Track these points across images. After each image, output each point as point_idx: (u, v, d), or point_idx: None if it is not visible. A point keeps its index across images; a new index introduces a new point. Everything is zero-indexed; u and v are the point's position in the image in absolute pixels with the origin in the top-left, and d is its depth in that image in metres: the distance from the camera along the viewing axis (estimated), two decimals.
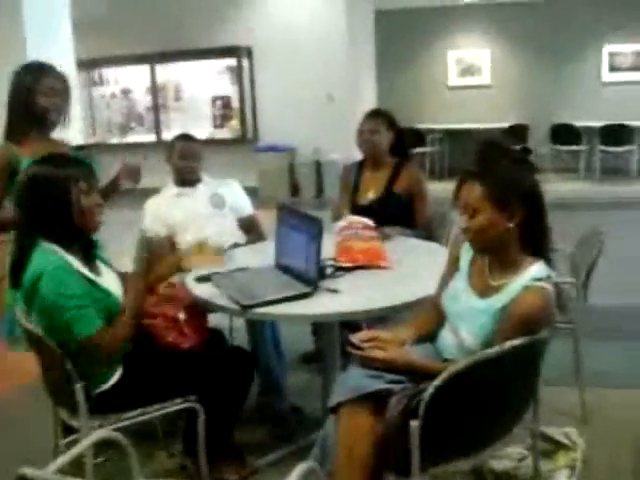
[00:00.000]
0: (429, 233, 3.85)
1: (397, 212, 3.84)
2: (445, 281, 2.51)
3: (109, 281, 2.65)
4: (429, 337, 2.53)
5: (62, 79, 3.27)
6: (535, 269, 2.19)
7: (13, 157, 3.16)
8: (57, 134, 3.38)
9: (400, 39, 12.26)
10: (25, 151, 3.14)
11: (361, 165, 4.09)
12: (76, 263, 2.51)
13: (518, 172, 2.21)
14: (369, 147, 3.97)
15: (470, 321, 2.29)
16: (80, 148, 3.53)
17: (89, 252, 2.65)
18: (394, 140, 3.99)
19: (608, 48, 11.67)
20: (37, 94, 3.17)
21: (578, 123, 11.19)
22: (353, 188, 4.03)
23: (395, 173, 3.94)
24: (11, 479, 1.51)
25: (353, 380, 2.30)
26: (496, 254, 2.27)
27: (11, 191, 3.00)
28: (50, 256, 2.46)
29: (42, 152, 2.86)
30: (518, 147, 11.00)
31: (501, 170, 2.19)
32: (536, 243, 2.24)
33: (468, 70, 12.53)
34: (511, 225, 2.17)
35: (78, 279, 2.49)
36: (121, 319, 2.60)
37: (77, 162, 2.63)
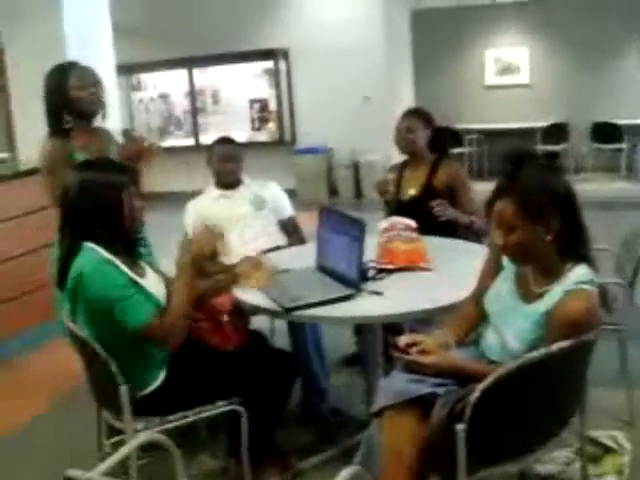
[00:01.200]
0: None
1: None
2: (484, 280, 2.48)
3: (152, 283, 2.66)
4: (471, 336, 2.51)
5: (90, 71, 3.43)
6: (577, 273, 2.16)
7: (68, 151, 3.29)
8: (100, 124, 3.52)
9: (437, 38, 12.19)
10: (76, 143, 3.31)
11: (404, 164, 4.13)
12: (119, 263, 2.54)
13: (548, 179, 2.17)
14: (406, 145, 4.00)
15: (514, 325, 2.26)
16: (127, 132, 3.66)
17: (132, 252, 2.68)
18: (432, 137, 4.01)
19: None
20: (70, 89, 3.31)
21: (619, 121, 11.02)
22: (396, 186, 4.04)
23: (433, 169, 3.95)
24: None
25: (398, 384, 2.29)
26: (537, 263, 2.24)
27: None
28: (93, 254, 2.49)
29: (92, 143, 3.20)
30: (554, 149, 10.93)
31: (531, 183, 2.14)
32: (576, 246, 2.20)
33: (506, 69, 12.41)
34: (549, 237, 2.14)
35: (121, 274, 2.51)
36: (173, 307, 2.60)
37: (122, 167, 2.67)
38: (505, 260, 2.39)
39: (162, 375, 2.64)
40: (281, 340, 3.62)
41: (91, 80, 3.40)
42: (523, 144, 11.13)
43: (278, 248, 3.70)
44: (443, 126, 4.18)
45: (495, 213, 2.19)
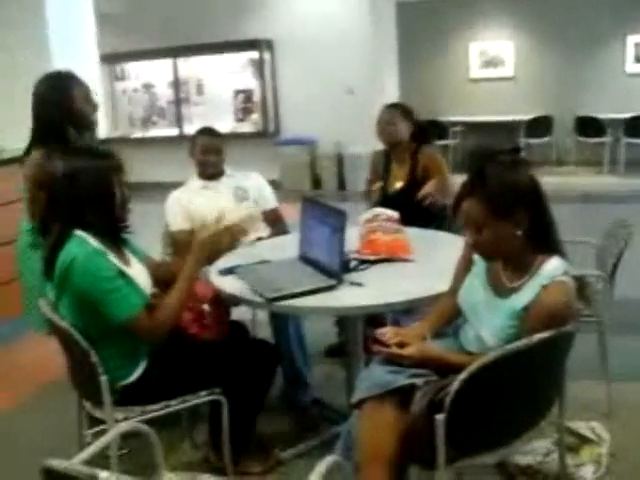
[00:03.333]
0: (449, 224, 3.85)
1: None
2: (460, 274, 2.49)
3: (137, 272, 2.66)
4: (449, 329, 2.53)
5: (86, 85, 3.38)
6: (551, 266, 2.16)
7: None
8: None
9: (422, 31, 12.18)
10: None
11: (388, 157, 4.22)
12: (109, 253, 2.53)
13: (513, 175, 2.16)
14: (386, 137, 4.13)
15: (489, 320, 2.27)
16: (101, 142, 3.58)
17: (119, 241, 2.67)
18: (415, 131, 4.11)
19: (633, 39, 11.51)
20: (75, 101, 3.26)
21: (602, 115, 11.06)
22: (382, 178, 4.15)
23: (414, 160, 4.06)
24: (37, 471, 1.52)
25: (376, 376, 2.30)
26: (508, 259, 2.26)
27: None
28: (83, 243, 2.47)
29: None
30: (538, 142, 10.96)
31: (496, 180, 2.13)
32: (546, 239, 2.21)
33: (491, 62, 12.43)
34: (519, 232, 2.15)
35: (111, 265, 2.50)
36: (168, 305, 2.59)
37: (109, 154, 2.64)
38: (475, 255, 2.40)
39: (143, 365, 2.64)
40: (263, 331, 3.62)
41: (92, 95, 3.37)
42: (504, 139, 11.15)
43: (260, 239, 3.69)
44: (428, 120, 4.28)
45: (462, 212, 2.20)
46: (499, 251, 2.22)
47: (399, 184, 4.06)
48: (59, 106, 3.25)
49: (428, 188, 3.84)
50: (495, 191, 2.12)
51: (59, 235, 2.52)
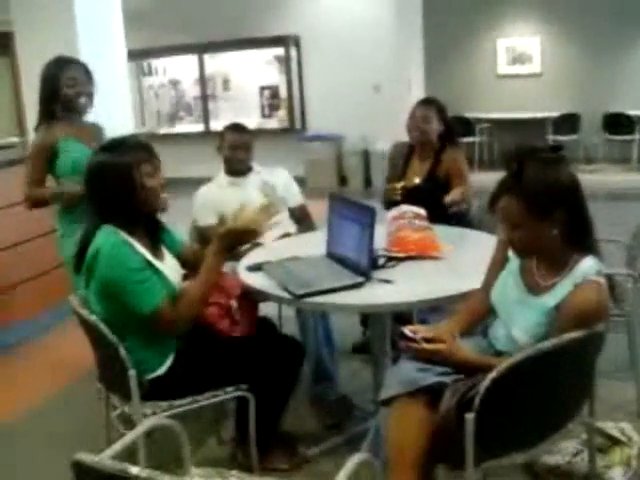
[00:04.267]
0: (476, 222, 3.82)
1: (440, 195, 3.78)
2: (493, 271, 2.47)
3: (170, 267, 2.68)
4: (478, 328, 2.51)
5: (84, 68, 3.59)
6: (585, 265, 2.14)
7: (53, 138, 3.48)
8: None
9: (449, 27, 12.11)
10: (62, 134, 3.49)
11: (411, 151, 4.13)
12: (138, 245, 2.55)
13: (552, 174, 2.13)
14: (419, 134, 3.99)
15: (521, 318, 2.25)
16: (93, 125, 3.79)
17: (154, 237, 2.70)
18: (444, 129, 4.02)
19: None
20: (62, 86, 3.48)
21: (631, 112, 10.94)
22: (401, 173, 4.07)
23: (437, 158, 3.99)
24: (67, 463, 1.52)
25: (405, 373, 2.28)
26: (543, 256, 2.24)
27: (53, 171, 3.52)
28: (110, 234, 2.50)
29: (73, 132, 3.47)
30: (562, 138, 10.86)
31: (534, 179, 2.10)
32: (582, 238, 2.19)
33: (518, 58, 12.33)
34: (555, 231, 2.13)
35: (138, 256, 2.52)
36: (187, 295, 2.61)
37: (138, 146, 2.66)
38: (510, 253, 2.38)
39: (171, 359, 2.65)
40: (289, 327, 3.62)
41: (83, 79, 3.54)
42: (531, 136, 11.06)
43: (288, 235, 3.69)
44: (455, 117, 4.18)
45: (500, 209, 2.17)
46: (534, 249, 2.20)
47: (417, 179, 3.98)
48: (47, 88, 3.52)
49: (456, 196, 3.72)
50: (534, 190, 2.09)
51: (88, 228, 2.57)
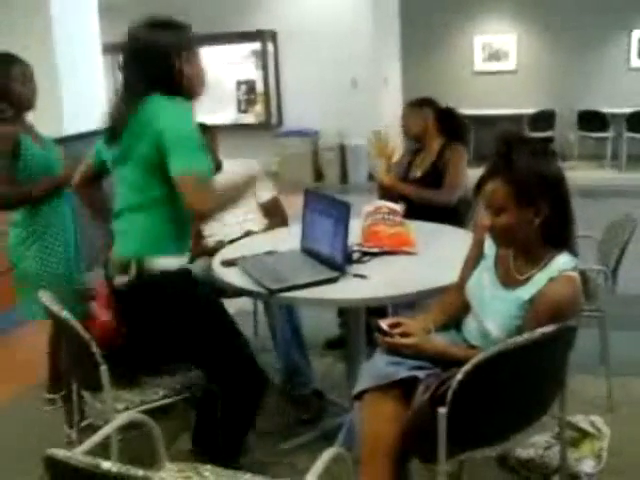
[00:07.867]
0: (458, 217, 3.86)
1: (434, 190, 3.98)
2: (468, 267, 2.48)
3: None
4: (453, 323, 2.51)
5: (28, 65, 3.38)
6: (561, 261, 2.16)
7: (16, 137, 3.22)
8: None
9: (426, 24, 12.14)
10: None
11: (418, 149, 4.32)
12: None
13: (541, 165, 2.16)
14: (405, 133, 4.32)
15: (495, 312, 2.27)
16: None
17: None
18: (438, 122, 4.18)
19: (638, 33, 11.49)
20: (12, 81, 3.28)
21: (605, 109, 11.04)
22: (407, 165, 4.25)
23: (440, 153, 4.10)
24: (38, 462, 1.51)
25: (378, 368, 2.29)
26: (521, 248, 2.25)
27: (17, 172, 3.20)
28: (171, 98, 2.46)
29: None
30: (541, 135, 10.92)
31: (524, 166, 2.13)
32: (561, 234, 2.20)
33: (495, 55, 12.39)
34: (537, 221, 2.14)
35: (195, 123, 2.47)
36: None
37: (177, 29, 2.78)
38: (487, 248, 2.39)
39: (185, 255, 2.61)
40: (265, 322, 3.62)
41: (30, 75, 3.37)
42: (514, 128, 11.11)
43: (250, 233, 3.67)
44: (450, 108, 4.26)
45: (485, 193, 2.18)
46: (514, 237, 2.20)
47: (418, 173, 4.14)
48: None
49: (394, 183, 4.07)
50: (524, 176, 2.11)
51: (127, 101, 2.57)
